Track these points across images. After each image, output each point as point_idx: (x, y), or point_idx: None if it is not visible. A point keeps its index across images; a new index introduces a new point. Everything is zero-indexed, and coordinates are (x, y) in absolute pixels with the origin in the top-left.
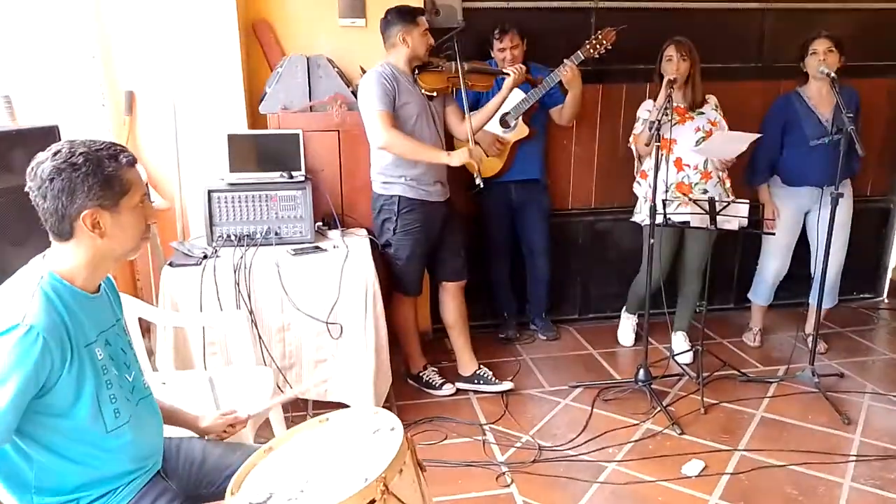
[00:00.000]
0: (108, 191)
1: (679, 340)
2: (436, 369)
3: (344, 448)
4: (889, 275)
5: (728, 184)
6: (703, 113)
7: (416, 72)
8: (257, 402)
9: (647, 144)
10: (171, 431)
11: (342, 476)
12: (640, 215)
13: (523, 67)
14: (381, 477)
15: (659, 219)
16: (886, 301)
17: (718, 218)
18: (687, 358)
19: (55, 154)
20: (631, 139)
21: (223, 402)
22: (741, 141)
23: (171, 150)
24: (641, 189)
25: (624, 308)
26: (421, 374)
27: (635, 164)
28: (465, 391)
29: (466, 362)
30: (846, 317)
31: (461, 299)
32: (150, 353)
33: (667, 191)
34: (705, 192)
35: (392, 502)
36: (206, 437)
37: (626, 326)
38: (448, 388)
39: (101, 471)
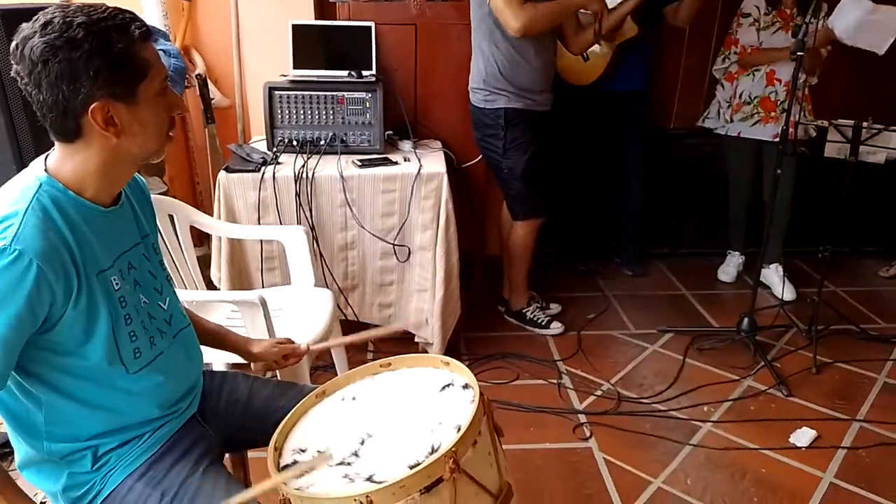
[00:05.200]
0: (119, 75)
1: (772, 273)
2: (539, 304)
3: (407, 403)
4: None
5: (808, 106)
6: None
7: None
8: (317, 328)
9: (793, 55)
10: (213, 357)
11: (404, 440)
12: (712, 121)
13: None
14: (451, 451)
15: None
16: None
17: (861, 149)
18: (789, 294)
19: (45, 26)
20: (731, 50)
21: (277, 326)
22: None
23: (231, 41)
24: (724, 93)
25: (730, 246)
26: (524, 312)
27: (719, 61)
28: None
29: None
30: None
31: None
32: (207, 264)
33: (750, 102)
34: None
35: (462, 482)
36: (256, 367)
37: (731, 264)
38: (556, 327)
39: (123, 416)
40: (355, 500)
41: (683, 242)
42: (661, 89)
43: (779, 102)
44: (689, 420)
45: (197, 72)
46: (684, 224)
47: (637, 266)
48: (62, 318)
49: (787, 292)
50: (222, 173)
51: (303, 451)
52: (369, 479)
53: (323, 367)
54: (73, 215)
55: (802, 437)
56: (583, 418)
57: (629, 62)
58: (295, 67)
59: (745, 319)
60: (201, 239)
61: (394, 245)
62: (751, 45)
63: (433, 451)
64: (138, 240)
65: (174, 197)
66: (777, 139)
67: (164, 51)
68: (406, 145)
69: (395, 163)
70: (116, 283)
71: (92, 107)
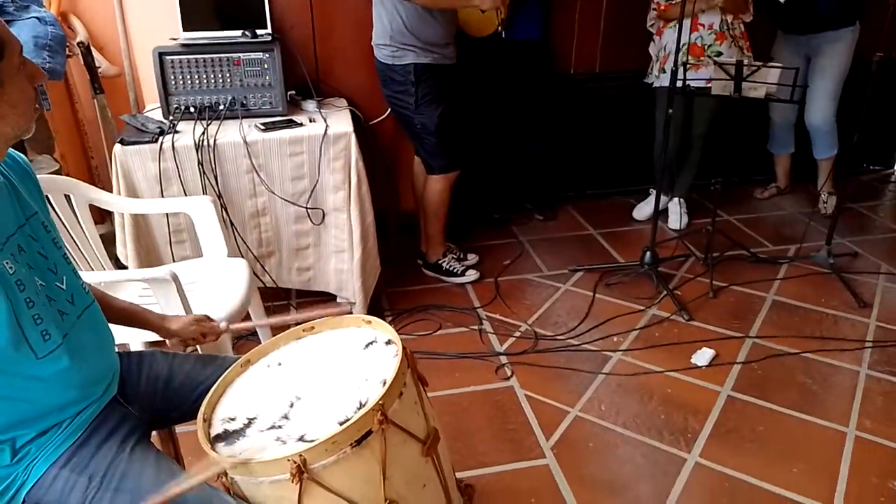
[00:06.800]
0: None
1: (675, 205)
2: (455, 255)
3: (333, 364)
4: None
5: (746, 43)
6: None
7: None
8: (234, 298)
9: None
10: (130, 337)
11: (332, 400)
12: (652, 76)
13: None
14: (379, 404)
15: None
16: None
17: (744, 85)
18: (675, 222)
19: None
20: (654, 7)
21: (192, 301)
22: None
23: (113, 4)
24: (654, 48)
25: (654, 184)
26: (440, 262)
27: (650, 16)
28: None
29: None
30: (857, 190)
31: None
32: (112, 241)
33: (678, 51)
34: (719, 54)
35: (392, 432)
36: (172, 343)
37: (651, 203)
38: (471, 275)
39: (37, 404)
40: (289, 459)
41: (589, 184)
42: (560, 36)
43: (706, 47)
44: (601, 351)
45: (78, 39)
46: (589, 166)
47: (547, 210)
48: None
49: (679, 222)
50: (118, 146)
51: (232, 419)
52: (301, 438)
53: (245, 335)
54: None
55: (702, 356)
56: (504, 359)
57: (525, 12)
58: (185, 30)
59: (648, 253)
60: (103, 216)
61: (307, 208)
62: (667, 0)
63: (361, 406)
64: (23, 221)
65: (68, 175)
66: (709, 84)
67: (38, 18)
68: (310, 105)
69: (301, 124)
70: (10, 268)
71: None
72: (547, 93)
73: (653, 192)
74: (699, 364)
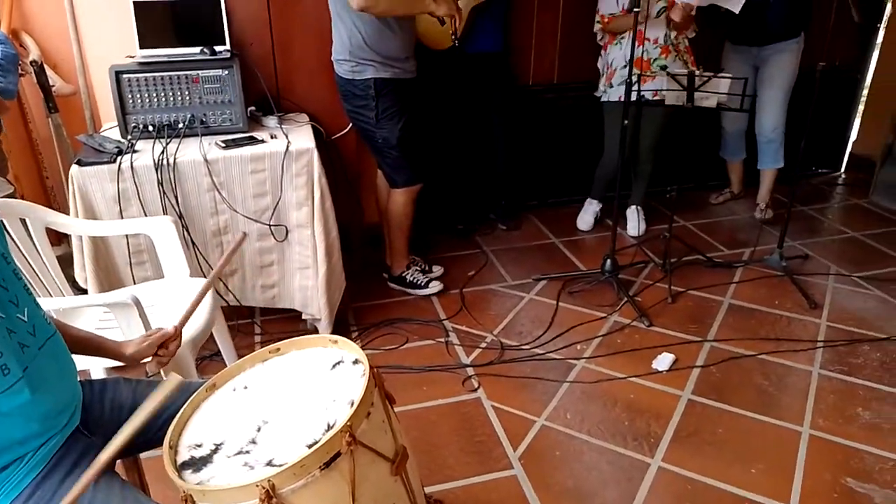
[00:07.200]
0: None
1: (632, 212)
2: (419, 267)
3: (300, 385)
4: (849, 148)
5: (690, 57)
6: None
7: None
8: (198, 319)
9: (630, 11)
10: (93, 364)
11: (300, 422)
12: (600, 91)
13: None
14: (347, 426)
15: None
16: (844, 176)
17: (696, 95)
18: (634, 229)
19: None
20: (598, 20)
21: (155, 324)
22: None
23: (66, 21)
24: (601, 62)
25: (590, 194)
26: (404, 275)
27: (596, 28)
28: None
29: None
30: (806, 194)
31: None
32: (70, 262)
33: (631, 63)
34: (664, 67)
35: (360, 452)
36: (136, 373)
37: (589, 212)
38: (435, 286)
39: None
40: (257, 485)
41: (551, 193)
42: (519, 48)
43: (652, 60)
44: (565, 359)
45: (31, 58)
46: (550, 175)
47: (511, 220)
48: None
49: (638, 228)
50: (75, 167)
51: (199, 445)
52: (269, 463)
53: (209, 355)
54: None
55: (663, 361)
56: (470, 371)
57: (484, 25)
58: (142, 47)
59: (608, 261)
60: (59, 237)
61: (270, 225)
62: (610, 13)
63: (329, 428)
64: None
65: (23, 197)
66: (656, 97)
67: None
68: (271, 121)
69: (262, 141)
70: None
71: None
72: (507, 104)
73: (589, 201)
74: (660, 369)
